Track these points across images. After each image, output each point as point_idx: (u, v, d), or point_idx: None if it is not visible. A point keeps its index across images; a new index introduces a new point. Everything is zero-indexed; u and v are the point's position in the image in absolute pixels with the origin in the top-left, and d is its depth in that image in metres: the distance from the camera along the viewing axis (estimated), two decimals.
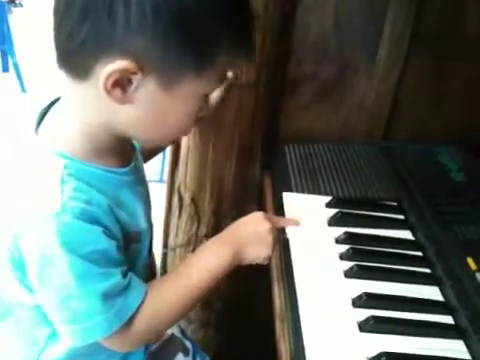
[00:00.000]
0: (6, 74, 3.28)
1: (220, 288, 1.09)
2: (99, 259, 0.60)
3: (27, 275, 0.63)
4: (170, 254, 1.16)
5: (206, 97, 0.65)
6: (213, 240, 0.74)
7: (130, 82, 0.56)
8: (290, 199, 0.88)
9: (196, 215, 1.05)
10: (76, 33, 0.55)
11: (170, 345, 0.88)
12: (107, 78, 0.55)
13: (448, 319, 0.69)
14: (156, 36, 0.54)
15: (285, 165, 0.97)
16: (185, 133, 0.70)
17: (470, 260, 0.75)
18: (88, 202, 0.59)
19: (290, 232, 0.80)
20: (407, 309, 0.69)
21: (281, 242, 0.79)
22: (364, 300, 0.69)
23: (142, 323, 0.64)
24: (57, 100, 0.66)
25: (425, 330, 0.67)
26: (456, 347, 0.65)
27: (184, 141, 1.02)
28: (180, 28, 0.54)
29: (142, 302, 0.64)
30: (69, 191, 0.58)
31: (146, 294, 0.65)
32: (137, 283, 0.65)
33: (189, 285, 0.68)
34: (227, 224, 1.05)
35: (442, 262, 0.76)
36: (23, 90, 3.17)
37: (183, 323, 1.17)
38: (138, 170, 0.72)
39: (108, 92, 0.56)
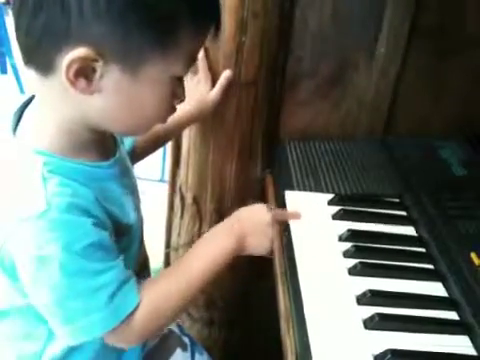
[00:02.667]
0: (4, 76, 3.27)
1: (223, 286, 1.09)
2: (95, 252, 0.59)
3: (18, 279, 0.62)
4: (173, 254, 1.16)
5: (179, 81, 0.62)
6: (216, 230, 0.74)
7: (94, 71, 0.55)
8: (292, 197, 0.87)
9: (198, 214, 1.04)
10: (32, 28, 0.54)
11: (168, 341, 0.88)
12: (68, 68, 0.54)
13: (453, 315, 0.69)
14: (112, 20, 0.53)
15: (286, 163, 0.97)
16: (161, 121, 0.66)
17: (474, 255, 0.75)
18: (74, 195, 0.58)
19: (293, 227, 0.79)
20: (411, 306, 0.69)
21: (284, 240, 0.79)
22: (368, 297, 0.69)
23: (143, 318, 0.64)
24: (32, 99, 0.65)
25: (430, 326, 0.67)
26: (461, 343, 0.65)
27: (185, 141, 1.02)
28: (135, 8, 0.53)
29: (141, 297, 0.63)
30: (53, 187, 0.58)
31: (145, 288, 0.64)
32: (135, 279, 0.65)
33: (190, 276, 0.68)
34: None
35: (445, 258, 0.76)
36: (22, 91, 3.16)
37: (187, 323, 1.17)
38: (122, 162, 0.71)
39: (72, 83, 0.55)
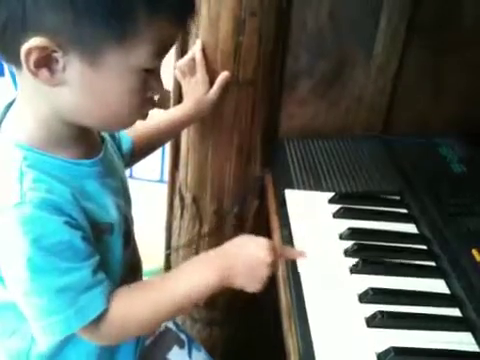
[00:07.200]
0: (2, 78, 3.27)
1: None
2: (64, 251, 0.59)
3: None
4: (173, 255, 1.16)
5: (150, 73, 0.59)
6: (205, 256, 0.70)
7: (57, 62, 0.55)
8: (292, 196, 0.87)
9: (198, 215, 1.04)
10: None
11: (164, 338, 0.87)
12: (26, 57, 0.54)
13: (455, 312, 0.69)
14: (64, 8, 0.52)
15: (286, 162, 0.97)
16: (139, 116, 0.63)
17: (475, 251, 0.75)
18: (49, 191, 0.58)
19: (294, 226, 0.78)
20: (414, 303, 0.69)
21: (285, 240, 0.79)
22: (370, 295, 0.69)
23: (109, 326, 0.63)
24: None
25: (433, 323, 0.67)
26: (464, 339, 0.65)
27: (184, 141, 1.02)
28: None
29: (111, 305, 0.62)
30: (29, 182, 0.58)
31: (114, 297, 0.63)
32: (107, 285, 0.63)
33: (167, 298, 0.66)
34: (229, 222, 1.06)
35: (447, 255, 0.76)
36: None
37: (188, 323, 1.17)
38: (108, 162, 0.69)
39: (33, 73, 0.55)
